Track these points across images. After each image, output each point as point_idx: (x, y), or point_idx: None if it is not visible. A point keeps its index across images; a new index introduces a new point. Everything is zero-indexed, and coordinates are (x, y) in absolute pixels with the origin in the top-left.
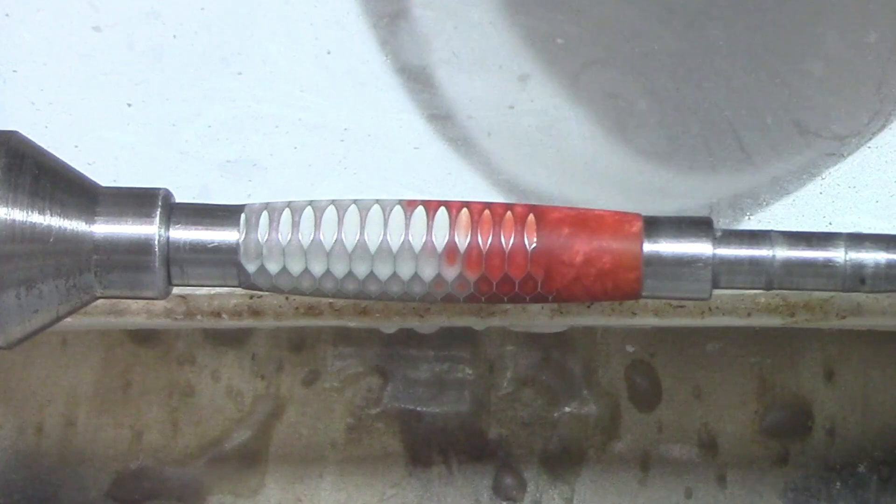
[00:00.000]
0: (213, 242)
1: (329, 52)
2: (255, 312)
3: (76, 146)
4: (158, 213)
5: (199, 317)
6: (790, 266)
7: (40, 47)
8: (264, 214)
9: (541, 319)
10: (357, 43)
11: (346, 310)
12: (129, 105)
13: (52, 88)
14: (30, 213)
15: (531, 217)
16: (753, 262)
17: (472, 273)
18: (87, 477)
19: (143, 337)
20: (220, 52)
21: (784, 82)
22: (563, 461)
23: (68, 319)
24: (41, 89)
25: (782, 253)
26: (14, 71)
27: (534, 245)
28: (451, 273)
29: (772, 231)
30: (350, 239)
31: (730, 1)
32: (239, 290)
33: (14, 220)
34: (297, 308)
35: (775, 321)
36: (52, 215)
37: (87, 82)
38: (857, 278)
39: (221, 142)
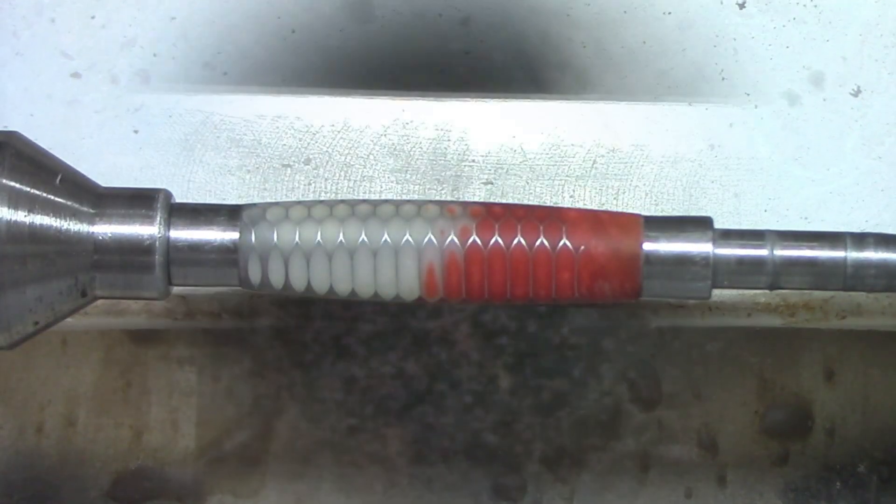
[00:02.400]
0: (212, 243)
1: (294, 31)
2: (255, 312)
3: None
4: (158, 213)
5: (198, 316)
6: (791, 265)
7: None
8: (264, 215)
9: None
10: (314, 18)
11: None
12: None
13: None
14: (30, 213)
15: (531, 218)
16: (754, 262)
17: (473, 275)
18: (87, 477)
19: (144, 337)
20: (201, 57)
21: None
22: (563, 461)
23: (68, 319)
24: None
25: (783, 252)
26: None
27: (534, 247)
28: (451, 276)
29: (772, 230)
30: (349, 240)
31: None
32: (239, 290)
33: (14, 221)
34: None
35: (775, 321)
36: (52, 216)
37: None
38: (859, 278)
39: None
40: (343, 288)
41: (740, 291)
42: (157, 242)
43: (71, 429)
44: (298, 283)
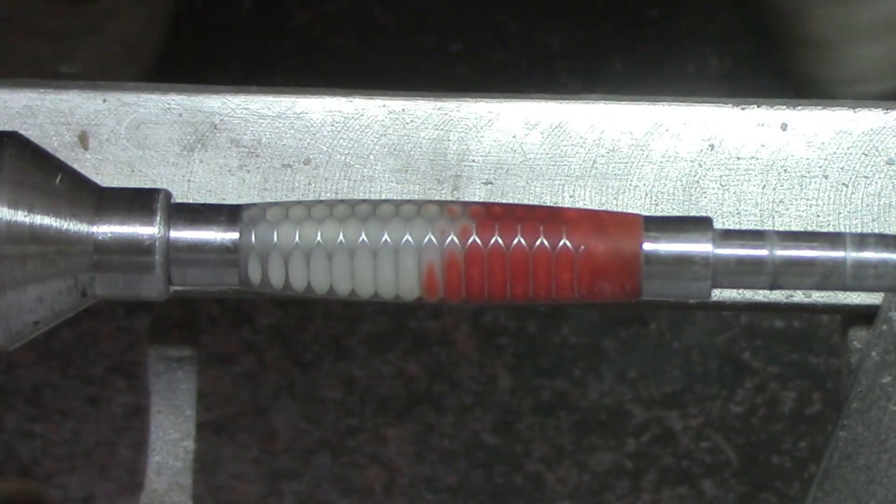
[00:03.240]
0: (212, 243)
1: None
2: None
3: None
4: (158, 213)
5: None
6: (791, 265)
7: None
8: (264, 215)
9: None
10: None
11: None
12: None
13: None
14: (30, 213)
15: (531, 218)
16: (754, 262)
17: (473, 275)
18: None
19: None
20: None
21: None
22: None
23: None
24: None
25: (783, 252)
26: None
27: (534, 247)
28: (451, 276)
29: (772, 230)
30: (349, 240)
31: None
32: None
33: (15, 221)
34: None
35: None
36: (52, 216)
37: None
38: (859, 278)
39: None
40: (343, 288)
41: (740, 291)
42: (157, 242)
43: None
44: (298, 283)
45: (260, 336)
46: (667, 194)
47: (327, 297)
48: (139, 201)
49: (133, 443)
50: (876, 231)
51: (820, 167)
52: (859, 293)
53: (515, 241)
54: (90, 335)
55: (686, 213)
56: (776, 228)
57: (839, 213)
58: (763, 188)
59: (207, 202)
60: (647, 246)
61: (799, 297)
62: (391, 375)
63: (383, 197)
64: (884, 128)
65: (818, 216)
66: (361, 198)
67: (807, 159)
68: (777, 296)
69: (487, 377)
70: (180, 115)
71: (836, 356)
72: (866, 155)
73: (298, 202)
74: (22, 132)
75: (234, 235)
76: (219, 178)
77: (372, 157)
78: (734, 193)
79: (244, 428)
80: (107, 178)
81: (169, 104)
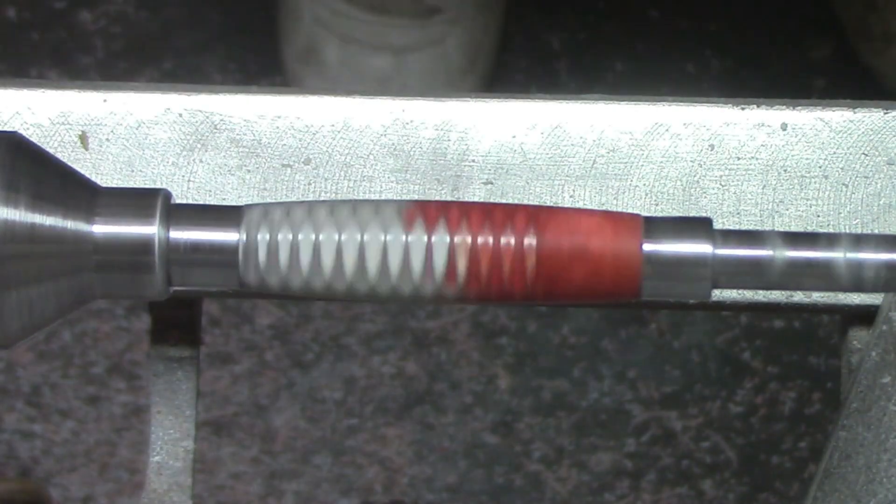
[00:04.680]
0: (212, 243)
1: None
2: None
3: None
4: (158, 213)
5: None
6: (791, 266)
7: None
8: (264, 216)
9: None
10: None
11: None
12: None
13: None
14: (30, 213)
15: (531, 219)
16: (754, 263)
17: (473, 275)
18: None
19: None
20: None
21: None
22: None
23: None
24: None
25: (783, 253)
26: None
27: (533, 247)
28: (450, 276)
29: (772, 231)
30: (349, 240)
31: None
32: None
33: (14, 220)
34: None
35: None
36: (52, 215)
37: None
38: (859, 278)
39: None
40: (342, 288)
41: (740, 291)
42: (157, 242)
43: None
44: (298, 284)
45: (260, 336)
46: (667, 194)
47: (326, 296)
48: (139, 201)
49: (133, 443)
50: (876, 231)
51: (820, 167)
52: (859, 293)
53: (515, 241)
54: (90, 335)
55: (686, 213)
56: (776, 228)
57: (839, 213)
58: (763, 188)
59: (207, 202)
60: (647, 246)
61: (799, 297)
62: (391, 375)
63: (383, 197)
64: (884, 128)
65: (818, 216)
66: (361, 198)
67: (807, 159)
68: (777, 296)
69: (487, 377)
70: (180, 115)
71: (836, 356)
72: (866, 155)
73: (299, 202)
74: (22, 132)
75: (234, 235)
76: (219, 178)
77: (372, 157)
78: (734, 193)
79: (244, 428)
80: (107, 178)
81: (169, 104)
